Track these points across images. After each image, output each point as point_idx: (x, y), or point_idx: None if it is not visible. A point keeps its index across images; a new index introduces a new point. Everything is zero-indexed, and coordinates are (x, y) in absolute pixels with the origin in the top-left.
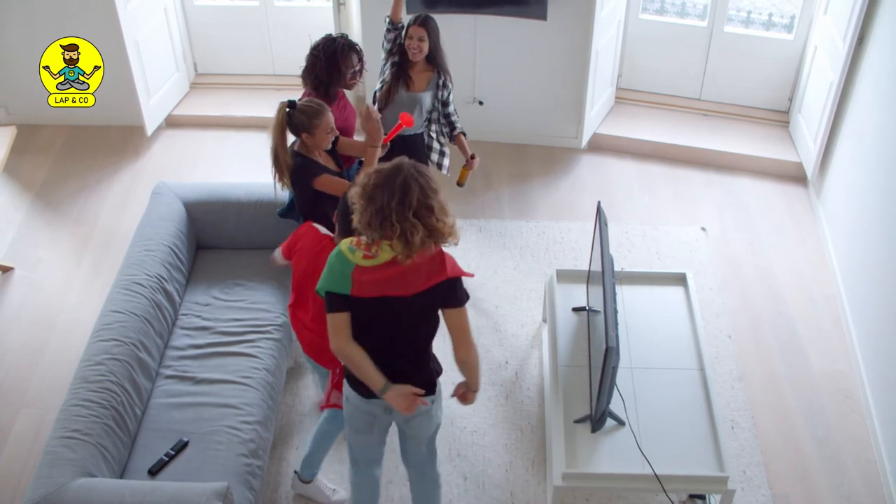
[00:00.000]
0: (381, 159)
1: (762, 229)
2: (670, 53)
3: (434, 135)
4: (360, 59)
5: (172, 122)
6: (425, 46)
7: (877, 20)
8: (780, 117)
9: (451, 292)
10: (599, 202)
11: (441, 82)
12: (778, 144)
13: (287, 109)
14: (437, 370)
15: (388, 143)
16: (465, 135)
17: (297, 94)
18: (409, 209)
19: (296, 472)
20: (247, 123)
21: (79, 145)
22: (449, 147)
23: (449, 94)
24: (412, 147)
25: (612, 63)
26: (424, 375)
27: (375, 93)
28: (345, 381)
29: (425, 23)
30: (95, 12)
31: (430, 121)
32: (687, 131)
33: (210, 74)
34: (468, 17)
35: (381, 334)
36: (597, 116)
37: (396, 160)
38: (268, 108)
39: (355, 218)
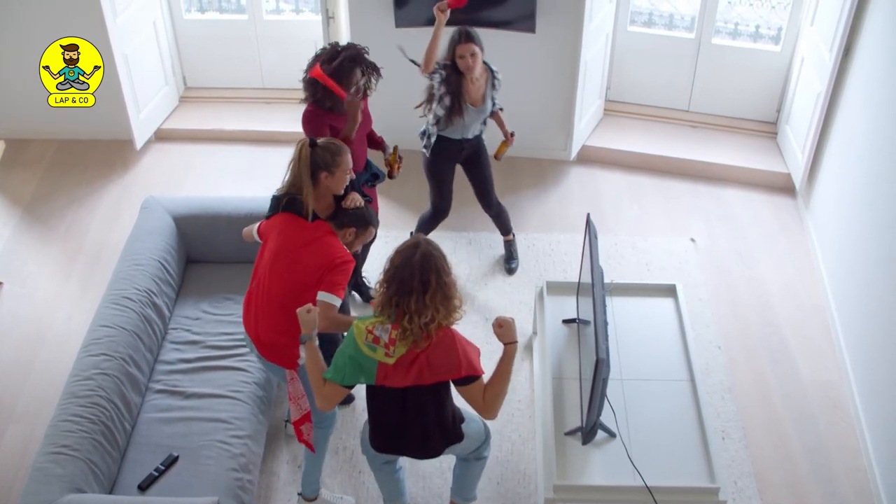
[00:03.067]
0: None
1: (751, 240)
2: (658, 65)
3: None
4: (366, 72)
5: (162, 136)
6: (480, 57)
7: (863, 31)
8: (768, 128)
9: (465, 379)
10: (589, 214)
11: (496, 77)
12: (766, 155)
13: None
14: (455, 421)
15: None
16: (501, 109)
17: (286, 108)
18: (426, 286)
19: (299, 493)
20: (236, 137)
21: (68, 159)
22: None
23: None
24: (481, 144)
25: (601, 75)
26: (438, 430)
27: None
28: (367, 438)
29: (470, 37)
30: (84, 26)
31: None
32: (675, 143)
33: (199, 88)
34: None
35: (393, 402)
36: (586, 128)
37: (412, 240)
38: (257, 122)
39: (377, 298)
